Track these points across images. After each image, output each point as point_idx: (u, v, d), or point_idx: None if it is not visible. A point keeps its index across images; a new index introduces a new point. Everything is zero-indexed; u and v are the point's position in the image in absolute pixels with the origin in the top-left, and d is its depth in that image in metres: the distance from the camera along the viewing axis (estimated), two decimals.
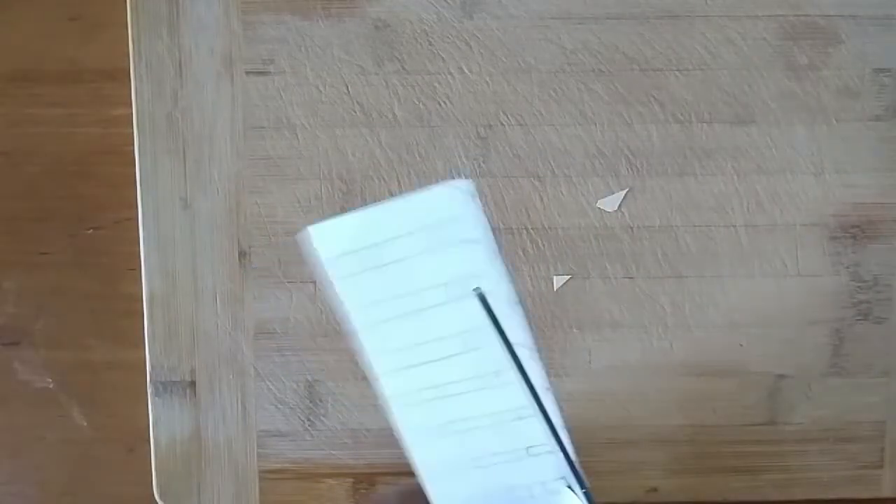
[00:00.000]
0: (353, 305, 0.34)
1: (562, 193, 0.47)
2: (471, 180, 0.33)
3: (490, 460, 0.36)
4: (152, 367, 0.48)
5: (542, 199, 0.47)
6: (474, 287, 0.33)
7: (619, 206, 0.47)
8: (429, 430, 0.36)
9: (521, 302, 0.37)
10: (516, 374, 0.34)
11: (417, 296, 0.34)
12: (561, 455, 0.34)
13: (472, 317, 0.33)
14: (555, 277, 0.48)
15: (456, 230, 0.33)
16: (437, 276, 0.33)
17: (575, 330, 0.48)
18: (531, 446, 0.35)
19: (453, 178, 0.47)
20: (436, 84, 0.47)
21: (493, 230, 0.47)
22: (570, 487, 0.35)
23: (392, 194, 0.47)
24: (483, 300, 0.34)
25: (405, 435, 0.36)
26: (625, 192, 0.47)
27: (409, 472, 0.37)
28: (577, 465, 0.35)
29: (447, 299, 0.33)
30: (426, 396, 0.35)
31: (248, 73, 0.47)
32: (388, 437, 0.37)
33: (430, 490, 0.36)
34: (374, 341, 0.35)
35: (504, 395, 0.35)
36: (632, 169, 0.47)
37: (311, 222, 0.47)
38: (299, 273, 0.47)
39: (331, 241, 0.34)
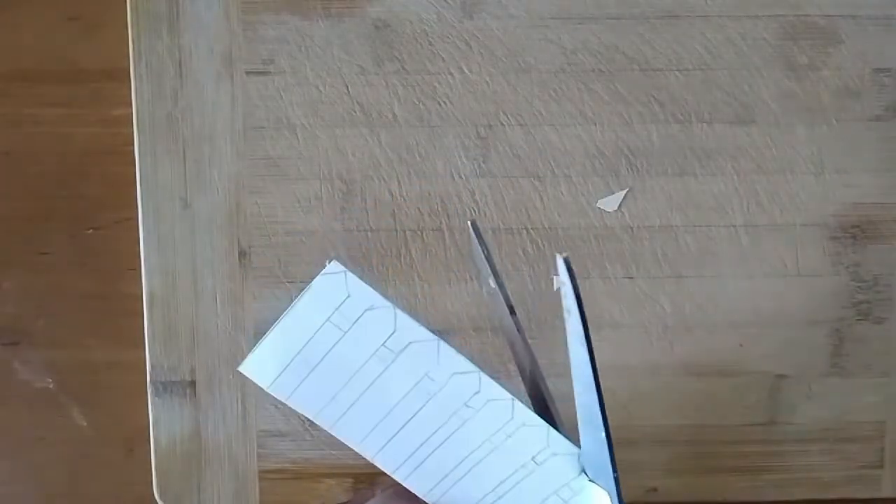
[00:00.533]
0: (313, 413, 0.36)
1: (562, 193, 0.47)
2: (335, 260, 0.33)
3: (505, 487, 0.36)
4: (152, 367, 0.48)
5: (542, 199, 0.47)
6: (469, 219, 0.34)
7: (619, 206, 0.47)
8: (442, 483, 0.36)
9: (523, 300, 0.37)
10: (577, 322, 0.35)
11: (359, 375, 0.35)
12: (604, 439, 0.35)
13: (414, 367, 0.34)
14: (555, 277, 0.48)
15: (353, 307, 0.34)
16: (363, 352, 0.34)
17: None
18: (535, 455, 0.36)
19: (453, 178, 0.47)
20: (436, 84, 0.47)
21: (493, 230, 0.47)
22: (592, 480, 0.35)
23: (392, 194, 0.47)
24: (475, 228, 0.36)
25: (425, 498, 0.36)
26: (625, 192, 0.47)
27: None
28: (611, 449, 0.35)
29: (385, 365, 0.34)
30: (421, 456, 0.36)
31: (248, 73, 0.47)
32: None
33: None
34: (349, 433, 0.36)
35: (484, 420, 0.35)
36: (632, 169, 0.47)
37: (311, 222, 0.47)
38: (299, 273, 0.47)
39: (262, 369, 0.35)
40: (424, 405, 0.35)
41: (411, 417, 0.35)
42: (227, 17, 0.46)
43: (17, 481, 0.50)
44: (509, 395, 0.35)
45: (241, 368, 0.35)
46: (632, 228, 0.47)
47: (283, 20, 0.46)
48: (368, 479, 0.49)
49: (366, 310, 0.34)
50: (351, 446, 0.36)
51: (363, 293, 0.34)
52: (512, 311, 0.37)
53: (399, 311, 0.34)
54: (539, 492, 0.36)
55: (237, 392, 0.48)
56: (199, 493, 0.48)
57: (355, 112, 0.47)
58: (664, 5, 0.47)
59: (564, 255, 0.32)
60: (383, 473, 0.49)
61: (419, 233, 0.47)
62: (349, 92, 0.47)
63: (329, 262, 0.33)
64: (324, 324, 0.34)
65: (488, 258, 0.37)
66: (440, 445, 0.35)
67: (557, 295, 0.48)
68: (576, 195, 0.47)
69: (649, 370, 0.48)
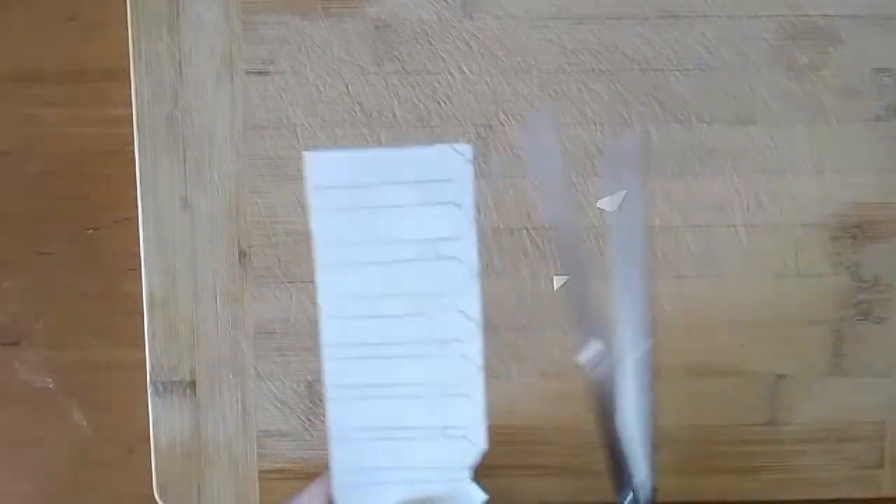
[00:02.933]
0: (323, 240, 0.35)
1: None
2: (471, 146, 0.33)
3: (403, 434, 0.35)
4: (152, 367, 0.48)
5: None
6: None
7: (620, 206, 0.47)
8: (351, 388, 0.35)
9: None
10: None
11: (388, 246, 0.34)
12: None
13: (433, 281, 0.34)
14: (555, 277, 0.48)
15: (445, 191, 0.34)
16: (413, 231, 0.34)
17: None
18: (448, 427, 0.35)
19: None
20: (436, 84, 0.47)
21: (493, 230, 0.47)
22: (476, 481, 0.35)
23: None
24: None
25: (327, 390, 0.36)
26: (625, 192, 0.47)
27: None
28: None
29: (415, 257, 0.34)
30: (360, 353, 0.35)
31: (248, 73, 0.47)
32: None
33: (334, 455, 0.36)
34: (331, 282, 0.35)
35: (439, 368, 0.35)
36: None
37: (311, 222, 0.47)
38: (299, 273, 0.47)
39: (324, 170, 0.34)
40: (409, 315, 0.34)
41: (391, 316, 0.35)
42: (227, 17, 0.46)
43: (17, 481, 0.50)
44: (480, 368, 0.34)
45: (307, 153, 0.34)
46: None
47: (283, 20, 0.46)
48: None
49: (453, 203, 0.34)
50: (318, 294, 0.35)
51: (465, 189, 0.34)
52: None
53: (473, 230, 0.34)
54: (439, 459, 0.35)
55: (237, 392, 0.48)
56: (199, 493, 0.48)
57: (355, 112, 0.47)
58: (664, 5, 0.47)
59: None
60: None
61: None
62: (349, 92, 0.47)
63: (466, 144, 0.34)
64: (409, 184, 0.34)
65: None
66: (387, 357, 0.35)
67: (558, 295, 0.48)
68: (576, 195, 0.47)
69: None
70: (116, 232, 0.49)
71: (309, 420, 0.48)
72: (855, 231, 0.48)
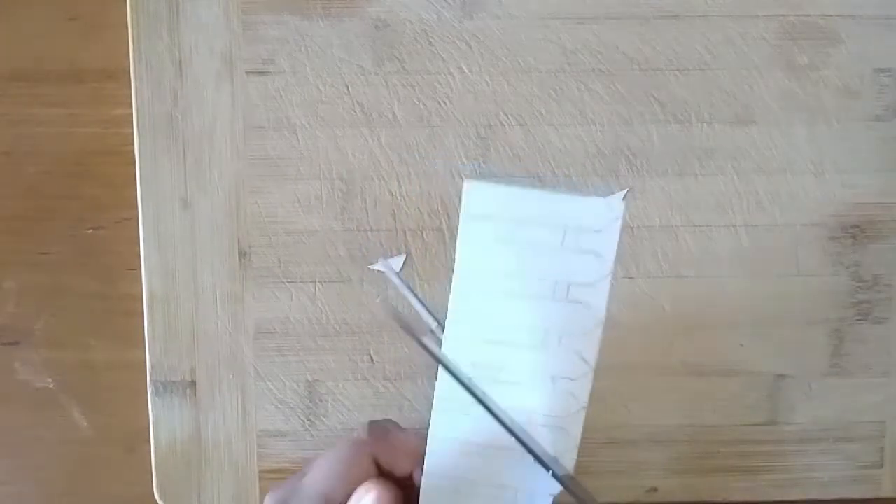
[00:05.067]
0: (465, 268, 0.36)
1: None
2: (624, 203, 0.35)
3: (496, 451, 0.36)
4: (152, 367, 0.48)
5: None
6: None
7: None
8: (457, 402, 0.36)
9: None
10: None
11: (525, 280, 0.36)
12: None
13: (560, 321, 0.36)
14: None
15: (590, 240, 0.35)
16: (552, 271, 0.35)
17: None
18: (543, 454, 0.36)
19: (453, 178, 0.47)
20: (436, 84, 0.47)
21: None
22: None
23: (392, 194, 0.47)
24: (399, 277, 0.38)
25: (436, 400, 0.37)
26: (625, 192, 0.47)
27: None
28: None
29: (549, 296, 0.36)
30: (474, 373, 0.36)
31: (248, 73, 0.47)
32: None
33: (427, 461, 0.37)
34: (463, 308, 0.36)
35: (546, 399, 0.36)
36: (632, 169, 0.47)
37: (312, 222, 0.47)
38: (299, 273, 0.47)
39: (479, 200, 0.36)
40: (528, 347, 0.36)
41: (508, 344, 0.36)
42: (227, 17, 0.46)
43: (17, 481, 0.50)
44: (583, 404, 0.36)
45: (467, 182, 0.36)
46: (632, 228, 0.47)
47: (283, 20, 0.46)
48: None
49: (592, 252, 0.35)
50: (448, 319, 0.36)
51: (610, 241, 0.35)
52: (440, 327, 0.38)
53: (609, 278, 0.35)
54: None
55: (237, 392, 0.48)
56: (199, 493, 0.48)
57: (355, 112, 0.47)
58: (664, 5, 0.47)
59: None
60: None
61: (419, 233, 0.47)
62: (349, 92, 0.47)
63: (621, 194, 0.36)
64: (558, 227, 0.35)
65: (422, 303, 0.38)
66: (498, 383, 0.36)
67: None
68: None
69: (649, 370, 0.48)
70: (116, 232, 0.49)
71: (309, 420, 0.48)
72: (855, 231, 0.48)
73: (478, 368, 0.36)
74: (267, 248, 0.47)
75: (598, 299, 0.36)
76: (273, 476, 0.48)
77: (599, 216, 0.35)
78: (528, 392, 0.36)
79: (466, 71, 0.47)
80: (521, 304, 0.36)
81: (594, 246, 0.35)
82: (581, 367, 0.36)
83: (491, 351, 0.36)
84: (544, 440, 0.36)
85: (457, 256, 0.36)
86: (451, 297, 0.36)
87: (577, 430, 0.36)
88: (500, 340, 0.36)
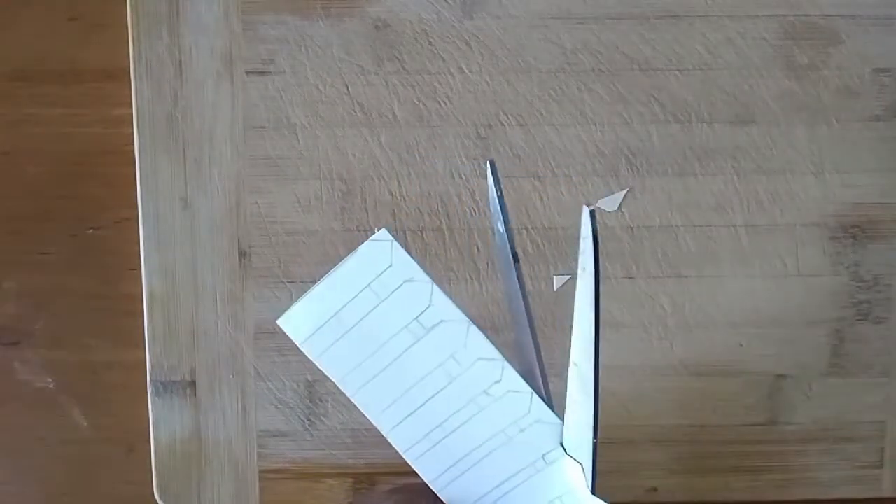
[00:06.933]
0: (338, 377, 0.36)
1: (562, 193, 0.47)
2: (384, 228, 0.34)
3: (514, 482, 0.36)
4: (152, 367, 0.48)
5: (542, 199, 0.47)
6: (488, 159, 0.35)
7: (619, 206, 0.47)
8: (451, 470, 0.37)
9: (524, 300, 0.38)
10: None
11: (387, 346, 0.35)
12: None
13: (441, 346, 0.35)
14: (555, 277, 0.48)
15: (393, 276, 0.34)
16: (395, 322, 0.35)
17: None
18: (546, 453, 0.36)
19: (453, 178, 0.47)
20: (436, 84, 0.47)
21: (493, 230, 0.47)
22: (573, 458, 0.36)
23: (392, 194, 0.47)
24: (493, 167, 0.37)
25: (432, 484, 0.37)
26: (625, 192, 0.47)
27: (409, 472, 0.38)
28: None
29: (414, 339, 0.35)
30: (434, 438, 0.36)
31: (248, 73, 0.47)
32: None
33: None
34: (370, 402, 0.36)
35: (501, 410, 0.36)
36: (632, 169, 0.47)
37: (312, 222, 0.47)
38: (299, 273, 0.47)
39: (298, 326, 0.36)
40: (445, 387, 0.35)
41: (431, 397, 0.36)
42: (227, 17, 0.46)
43: (17, 481, 0.50)
44: (529, 389, 0.35)
45: (280, 321, 0.35)
46: (632, 228, 0.47)
47: (283, 20, 0.46)
48: (368, 479, 0.49)
49: (405, 281, 0.34)
50: (369, 417, 0.37)
51: (405, 264, 0.34)
52: (515, 259, 0.37)
53: (436, 288, 0.34)
54: (547, 492, 0.36)
55: (237, 392, 0.48)
56: (199, 493, 0.48)
57: (355, 112, 0.47)
58: (664, 5, 0.47)
59: (591, 207, 0.32)
60: (383, 475, 0.49)
61: (419, 233, 0.47)
62: (349, 92, 0.47)
63: (378, 230, 0.34)
64: (363, 290, 0.34)
65: (500, 200, 0.37)
66: (454, 431, 0.36)
67: (558, 295, 0.48)
68: (576, 195, 0.47)
69: (649, 370, 0.48)
70: (116, 232, 0.49)
71: (309, 420, 0.48)
72: (855, 231, 0.48)
73: (429, 435, 0.36)
74: (267, 248, 0.47)
75: (449, 308, 0.35)
76: (273, 476, 0.48)
77: (379, 255, 0.34)
78: (478, 419, 0.36)
79: (466, 71, 0.47)
80: (404, 364, 0.35)
81: (400, 277, 0.34)
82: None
83: (425, 415, 0.36)
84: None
85: (331, 378, 0.36)
86: (363, 410, 0.36)
87: (588, 463, 0.37)
88: (420, 401, 0.36)
